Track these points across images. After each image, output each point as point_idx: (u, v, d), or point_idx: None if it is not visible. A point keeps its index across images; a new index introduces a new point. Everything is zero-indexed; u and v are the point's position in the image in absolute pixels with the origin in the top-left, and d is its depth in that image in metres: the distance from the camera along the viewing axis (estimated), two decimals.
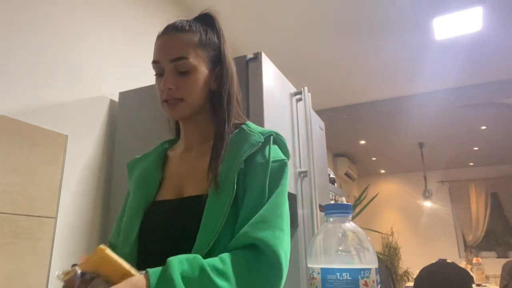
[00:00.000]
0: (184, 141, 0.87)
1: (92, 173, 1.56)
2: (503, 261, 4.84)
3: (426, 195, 6.12)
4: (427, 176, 6.25)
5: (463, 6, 2.49)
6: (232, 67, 0.85)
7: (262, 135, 0.78)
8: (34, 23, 1.39)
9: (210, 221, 0.68)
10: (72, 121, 1.49)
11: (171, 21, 0.83)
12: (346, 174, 6.00)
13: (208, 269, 0.59)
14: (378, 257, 0.53)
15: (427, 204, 6.46)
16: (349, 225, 0.49)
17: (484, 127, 4.79)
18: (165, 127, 0.90)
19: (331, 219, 0.49)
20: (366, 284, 0.44)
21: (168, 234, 0.74)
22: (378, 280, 0.47)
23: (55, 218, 1.34)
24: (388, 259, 6.17)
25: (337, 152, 5.99)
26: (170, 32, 0.80)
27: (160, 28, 0.82)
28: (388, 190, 7.30)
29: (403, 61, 3.21)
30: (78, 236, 1.46)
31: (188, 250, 0.66)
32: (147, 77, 1.91)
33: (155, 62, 0.80)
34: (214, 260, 0.61)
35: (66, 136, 1.44)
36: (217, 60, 0.83)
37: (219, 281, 0.59)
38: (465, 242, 6.54)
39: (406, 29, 2.75)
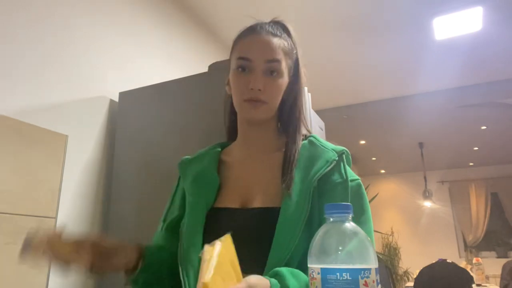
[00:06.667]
0: (244, 146, 0.85)
1: (92, 173, 1.56)
2: (503, 261, 4.83)
3: (426, 195, 6.12)
4: (427, 176, 6.24)
5: (463, 6, 2.49)
6: (305, 79, 0.85)
7: (335, 152, 0.76)
8: (34, 23, 1.39)
9: (283, 239, 0.65)
10: (72, 121, 1.49)
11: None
12: None
13: None
14: (378, 257, 0.53)
15: (427, 204, 6.45)
16: (349, 225, 0.49)
17: (484, 127, 4.78)
18: (165, 127, 0.88)
19: (331, 219, 0.49)
20: (366, 284, 0.44)
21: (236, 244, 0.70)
22: (378, 280, 0.47)
23: (55, 218, 1.34)
24: (388, 259, 6.16)
25: None
26: (265, 34, 0.79)
27: (159, 28, 0.82)
28: (388, 190, 7.29)
29: (403, 61, 3.21)
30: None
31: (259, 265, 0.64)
32: (147, 77, 1.91)
33: (245, 59, 0.77)
34: None
35: (66, 136, 1.44)
36: (294, 71, 0.83)
37: None
38: (465, 242, 6.54)
39: (406, 29, 2.74)
